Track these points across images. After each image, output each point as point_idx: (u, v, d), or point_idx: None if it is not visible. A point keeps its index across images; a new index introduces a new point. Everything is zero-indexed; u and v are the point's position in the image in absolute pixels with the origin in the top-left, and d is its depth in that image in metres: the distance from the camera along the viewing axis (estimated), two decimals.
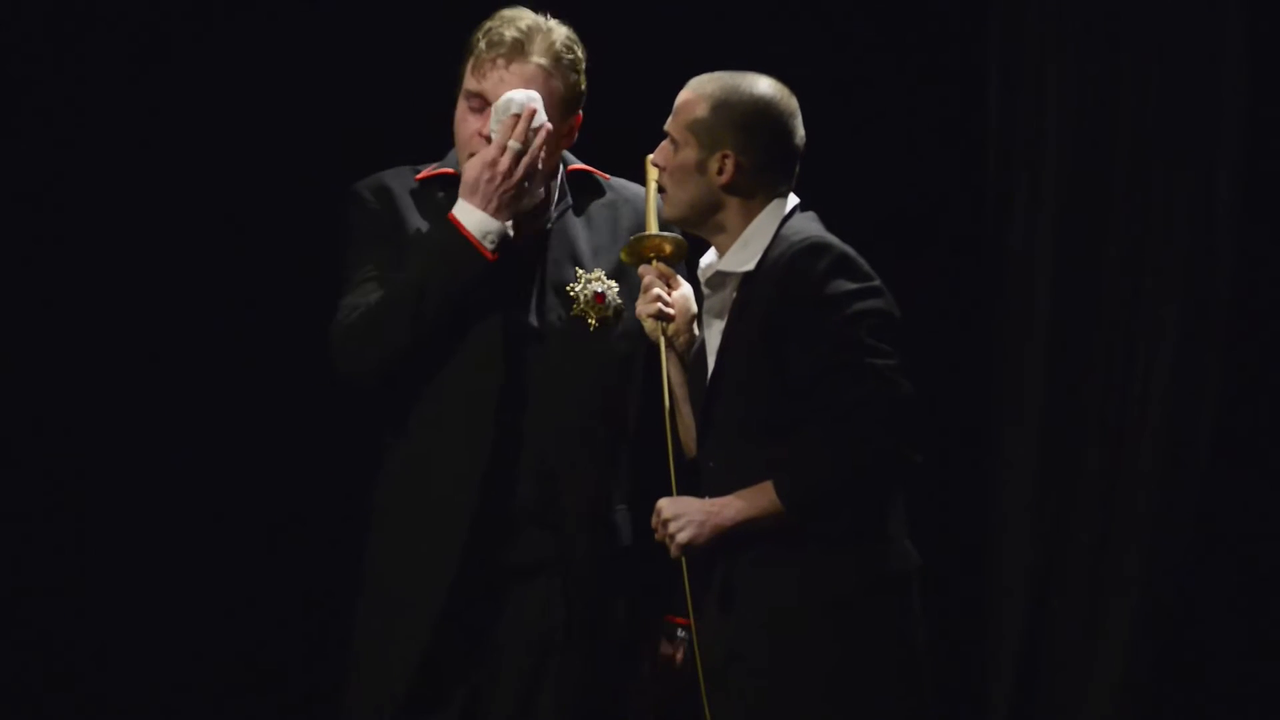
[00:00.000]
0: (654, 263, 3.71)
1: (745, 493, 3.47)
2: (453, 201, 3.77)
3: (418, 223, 3.79)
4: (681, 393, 3.70)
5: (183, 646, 5.06)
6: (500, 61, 3.76)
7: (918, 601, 3.54)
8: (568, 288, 3.81)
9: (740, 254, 3.58)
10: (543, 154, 3.73)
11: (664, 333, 3.67)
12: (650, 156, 3.66)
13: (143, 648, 5.04)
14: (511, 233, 3.72)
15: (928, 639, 3.55)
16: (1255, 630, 5.31)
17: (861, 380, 3.43)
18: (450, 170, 3.85)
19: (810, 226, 3.58)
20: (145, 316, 5.05)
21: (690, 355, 3.70)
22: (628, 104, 4.09)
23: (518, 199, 3.73)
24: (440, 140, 3.92)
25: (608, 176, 3.94)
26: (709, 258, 3.66)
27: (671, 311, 3.68)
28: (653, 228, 3.72)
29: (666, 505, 3.52)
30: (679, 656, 3.85)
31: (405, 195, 3.82)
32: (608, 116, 3.94)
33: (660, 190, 3.65)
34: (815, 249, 3.49)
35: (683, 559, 3.52)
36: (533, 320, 3.77)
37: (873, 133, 5.45)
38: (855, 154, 5.34)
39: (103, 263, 5.01)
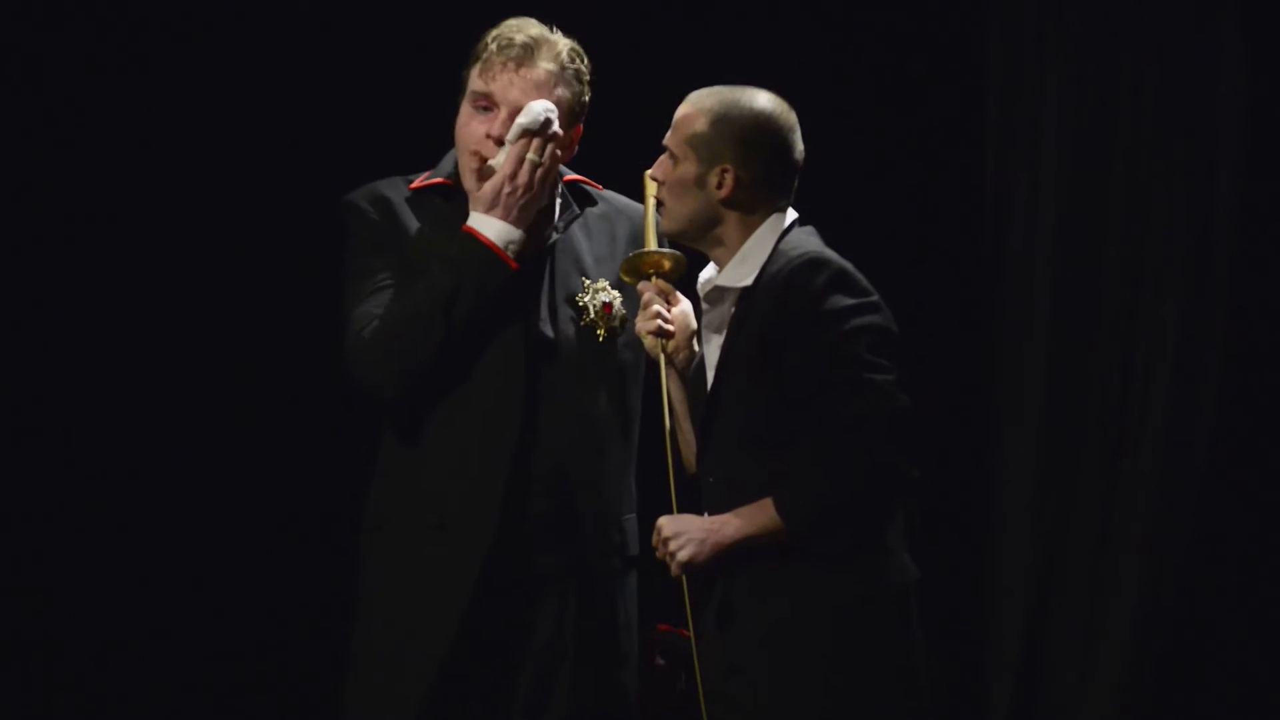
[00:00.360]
0: (653, 279, 3.71)
1: (745, 510, 3.47)
2: (455, 211, 3.78)
3: (420, 233, 3.79)
4: (682, 409, 3.70)
5: (181, 648, 5.07)
6: (510, 65, 3.76)
7: (916, 614, 3.53)
8: (576, 298, 3.81)
9: (739, 269, 3.58)
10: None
11: (664, 349, 3.67)
12: (649, 171, 3.66)
13: (141, 648, 5.04)
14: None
15: (926, 648, 3.55)
16: (1255, 630, 5.32)
17: (860, 395, 3.43)
18: (444, 180, 3.84)
19: (809, 241, 3.58)
20: (143, 317, 5.05)
21: (690, 371, 3.70)
22: (621, 115, 4.09)
23: (532, 210, 3.73)
24: (429, 148, 3.92)
25: (600, 186, 3.94)
26: (708, 272, 3.66)
27: (671, 328, 3.68)
28: (652, 244, 3.72)
29: (667, 523, 3.52)
30: (673, 664, 3.87)
31: (403, 205, 3.82)
32: (600, 127, 3.95)
33: (659, 204, 3.65)
34: (813, 264, 3.49)
35: (683, 577, 3.52)
36: (548, 331, 3.77)
37: (873, 133, 5.46)
38: (855, 154, 5.34)
39: (98, 263, 5.01)
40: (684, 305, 3.72)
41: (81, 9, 4.98)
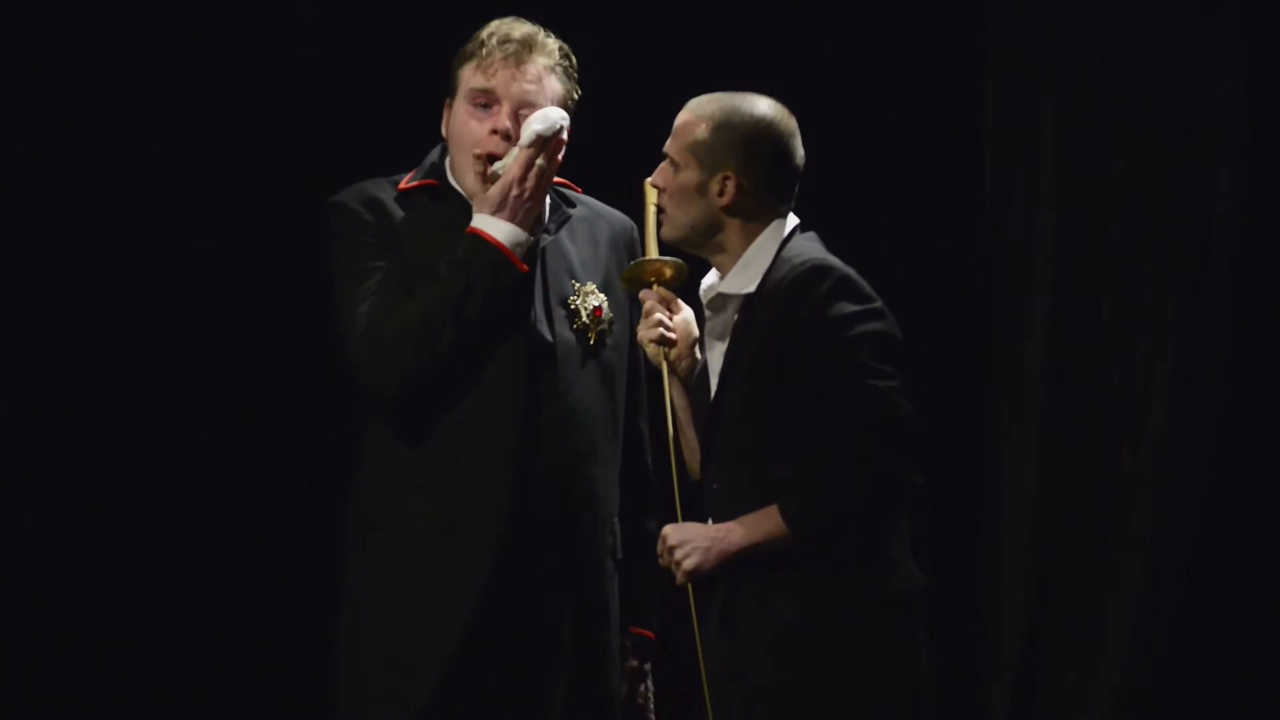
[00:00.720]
0: (655, 287, 3.70)
1: (750, 518, 3.47)
2: (446, 212, 3.79)
3: (415, 234, 3.79)
4: (685, 417, 3.70)
5: (179, 648, 5.07)
6: (510, 60, 3.77)
7: (920, 622, 3.54)
8: (568, 301, 3.81)
9: (741, 276, 3.57)
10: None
11: (666, 357, 3.67)
12: (649, 179, 3.65)
13: (139, 648, 5.04)
14: None
15: (929, 655, 3.55)
16: (1255, 630, 5.32)
17: (864, 402, 3.43)
18: (432, 181, 3.83)
19: (811, 248, 3.58)
20: (140, 317, 5.05)
21: (693, 378, 3.70)
22: (618, 120, 4.09)
23: (535, 213, 3.75)
24: (410, 147, 3.92)
25: (579, 189, 3.94)
26: (710, 279, 3.66)
27: (674, 336, 3.67)
28: (652, 251, 3.71)
29: (672, 532, 3.52)
30: (643, 666, 3.89)
31: (394, 206, 3.81)
32: (598, 133, 3.95)
33: (660, 212, 3.64)
34: (817, 271, 3.49)
35: (689, 585, 3.52)
36: (545, 334, 3.77)
37: (872, 133, 5.45)
38: (855, 154, 5.34)
39: (86, 264, 5.01)
40: (686, 313, 3.72)
41: (72, 10, 4.98)
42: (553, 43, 3.81)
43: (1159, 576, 5.39)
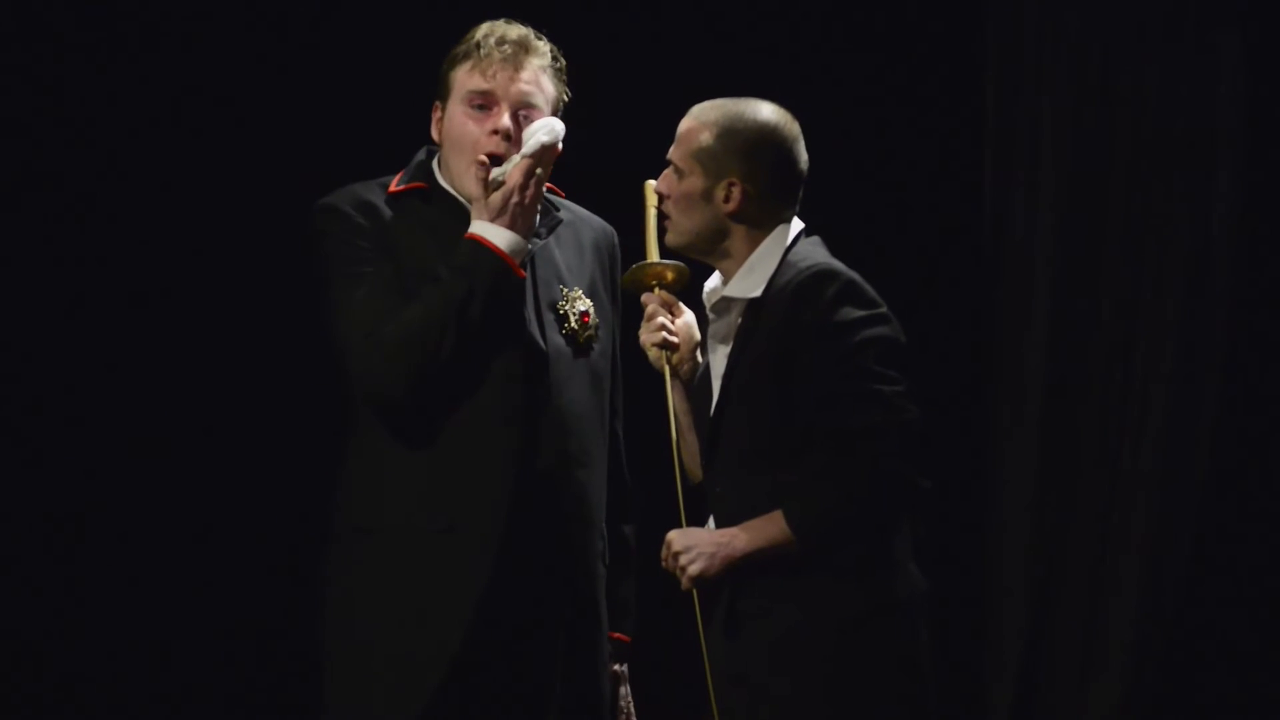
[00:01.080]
0: (656, 291, 3.70)
1: (755, 523, 3.47)
2: (438, 214, 3.78)
3: (408, 237, 3.77)
4: (686, 420, 3.70)
5: (178, 649, 5.07)
6: (509, 62, 3.75)
7: (923, 625, 3.54)
8: (558, 305, 3.81)
9: (747, 280, 3.57)
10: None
11: (668, 361, 3.67)
12: (654, 185, 3.65)
13: (136, 648, 5.04)
14: None
15: (932, 657, 3.55)
16: (1255, 630, 5.32)
17: (870, 407, 3.43)
18: (422, 184, 3.83)
19: (816, 253, 3.58)
20: (139, 317, 5.05)
21: (694, 381, 3.70)
22: (617, 122, 4.09)
23: (532, 220, 3.75)
24: (393, 149, 3.91)
25: (562, 193, 3.94)
26: (713, 282, 3.66)
27: (676, 340, 3.67)
28: (653, 255, 3.71)
29: (676, 537, 3.52)
30: (621, 669, 3.90)
31: (385, 209, 3.80)
32: (597, 135, 3.96)
33: (665, 217, 3.64)
34: (823, 276, 3.49)
35: (694, 590, 3.52)
36: (538, 338, 3.77)
37: (872, 133, 5.45)
38: (855, 154, 5.34)
39: (82, 264, 5.01)
40: (687, 316, 3.72)
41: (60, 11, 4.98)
42: (544, 44, 3.81)
43: (1159, 576, 5.39)
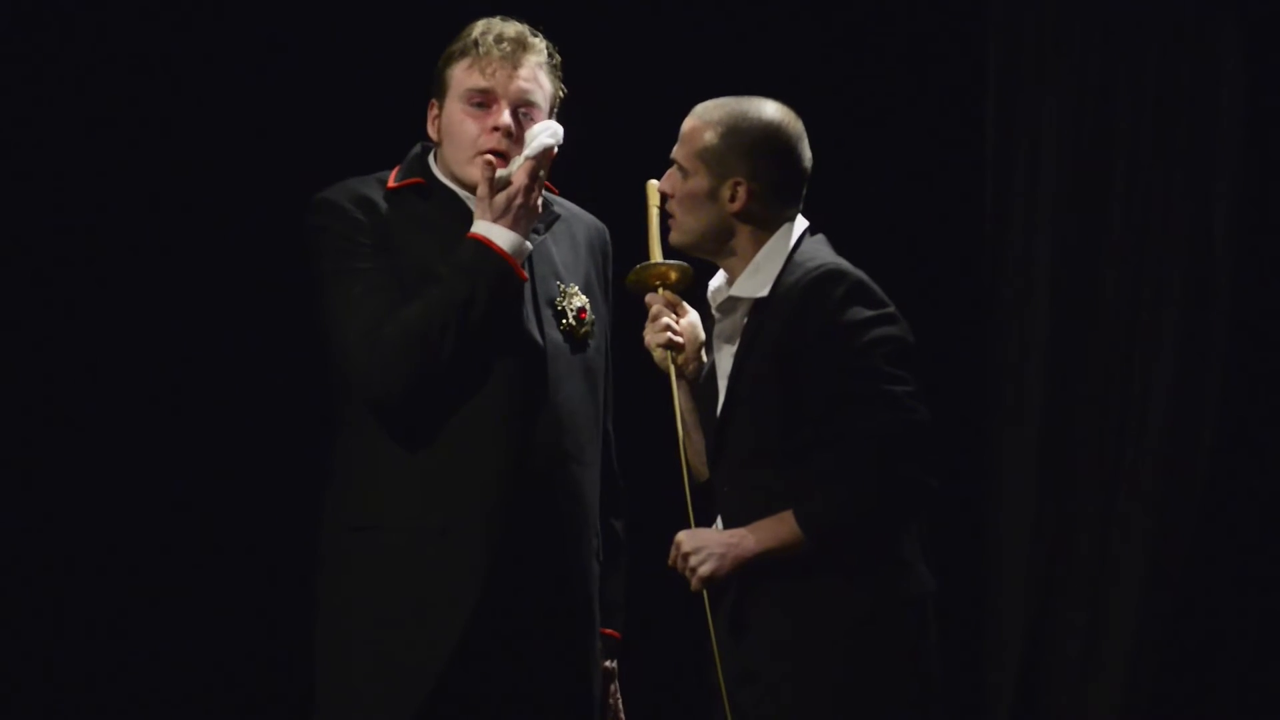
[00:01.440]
0: (661, 291, 3.70)
1: (764, 523, 3.47)
2: (436, 211, 3.77)
3: (407, 234, 3.76)
4: (692, 419, 3.69)
5: (176, 648, 5.06)
6: (508, 59, 3.75)
7: (933, 625, 3.53)
8: (555, 303, 3.81)
9: (753, 279, 3.57)
10: None
11: (674, 361, 3.66)
12: (658, 185, 3.64)
13: (136, 650, 5.04)
14: None
15: (941, 660, 3.55)
16: (1255, 630, 5.33)
17: (880, 408, 3.43)
18: (420, 180, 3.82)
19: (823, 252, 3.57)
20: (139, 317, 5.04)
21: (699, 381, 3.69)
22: (616, 123, 4.09)
23: (532, 221, 3.75)
24: (394, 146, 3.91)
25: (555, 190, 3.94)
26: (718, 282, 3.65)
27: (681, 340, 3.67)
28: (657, 254, 3.71)
29: (686, 538, 3.51)
30: (611, 666, 3.90)
31: (383, 204, 3.78)
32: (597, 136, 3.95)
33: (668, 216, 3.63)
34: (830, 276, 3.49)
35: (704, 591, 3.51)
36: (537, 337, 3.77)
37: (872, 133, 5.45)
38: (854, 154, 5.33)
39: (75, 265, 5.01)
40: (692, 316, 3.71)
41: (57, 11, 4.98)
42: (541, 41, 3.81)
43: (1159, 575, 5.40)
